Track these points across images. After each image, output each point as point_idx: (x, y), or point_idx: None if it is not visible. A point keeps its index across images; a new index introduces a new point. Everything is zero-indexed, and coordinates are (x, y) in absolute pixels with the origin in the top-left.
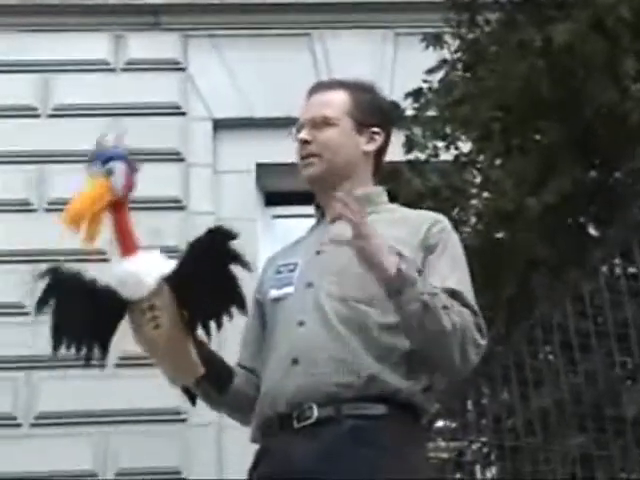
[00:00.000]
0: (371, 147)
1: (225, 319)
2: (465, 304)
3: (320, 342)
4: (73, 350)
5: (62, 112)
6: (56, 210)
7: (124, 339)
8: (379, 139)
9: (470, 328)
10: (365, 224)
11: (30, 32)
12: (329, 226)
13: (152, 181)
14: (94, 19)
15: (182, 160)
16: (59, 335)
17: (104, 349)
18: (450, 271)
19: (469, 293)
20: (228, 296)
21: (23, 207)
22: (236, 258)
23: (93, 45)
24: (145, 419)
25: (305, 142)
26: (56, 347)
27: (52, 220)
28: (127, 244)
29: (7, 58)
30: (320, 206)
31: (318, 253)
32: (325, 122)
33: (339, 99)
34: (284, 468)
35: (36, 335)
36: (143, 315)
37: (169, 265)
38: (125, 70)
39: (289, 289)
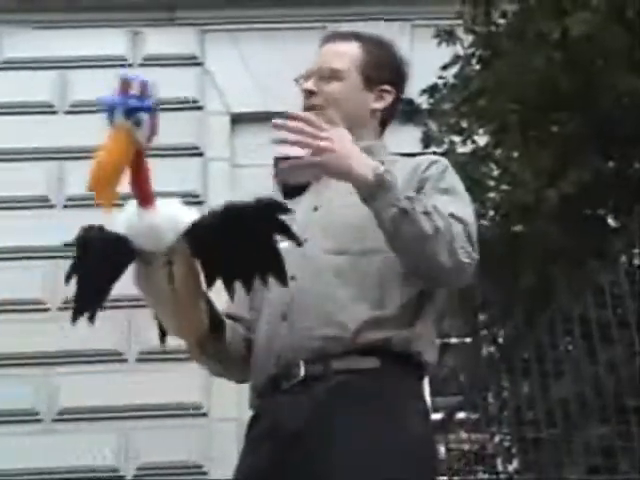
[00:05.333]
0: (379, 105)
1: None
2: (457, 218)
3: (308, 296)
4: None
5: (79, 108)
6: (74, 206)
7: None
8: (388, 97)
9: (459, 233)
10: (324, 130)
11: (47, 29)
12: (326, 181)
13: (170, 176)
14: (111, 15)
15: (200, 155)
16: (81, 299)
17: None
18: (449, 200)
19: (468, 216)
20: (266, 263)
21: (42, 203)
22: (284, 230)
23: (110, 41)
24: (166, 414)
25: (310, 93)
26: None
27: (70, 215)
28: (147, 194)
29: (24, 55)
30: None
31: (315, 209)
32: (332, 74)
33: (351, 51)
34: (274, 429)
35: (57, 331)
36: (157, 268)
37: (189, 215)
38: (142, 65)
39: (284, 244)
